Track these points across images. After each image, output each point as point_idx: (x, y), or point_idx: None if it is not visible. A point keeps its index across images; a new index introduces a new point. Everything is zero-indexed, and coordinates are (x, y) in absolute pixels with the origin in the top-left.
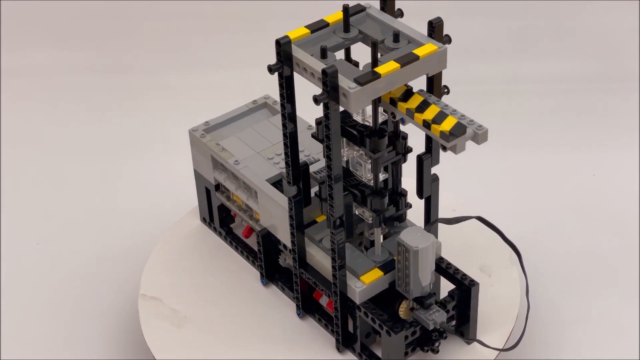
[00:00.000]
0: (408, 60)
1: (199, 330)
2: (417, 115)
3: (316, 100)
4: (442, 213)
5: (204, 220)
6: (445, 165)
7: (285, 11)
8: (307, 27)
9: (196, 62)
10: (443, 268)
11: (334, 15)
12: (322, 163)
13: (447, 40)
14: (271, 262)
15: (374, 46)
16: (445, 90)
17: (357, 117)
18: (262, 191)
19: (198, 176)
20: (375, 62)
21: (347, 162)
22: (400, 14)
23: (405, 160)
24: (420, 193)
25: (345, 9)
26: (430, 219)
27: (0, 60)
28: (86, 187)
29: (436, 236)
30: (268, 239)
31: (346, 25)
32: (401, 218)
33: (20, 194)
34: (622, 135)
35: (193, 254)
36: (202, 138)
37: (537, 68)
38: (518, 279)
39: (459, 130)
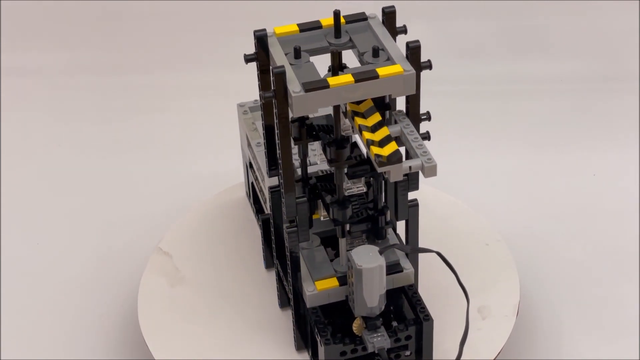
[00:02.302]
0: (365, 76)
1: (186, 294)
2: (365, 133)
3: (262, 97)
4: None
5: (247, 193)
6: (445, 165)
7: (294, 12)
8: (299, 25)
9: (197, 62)
10: (409, 296)
11: (332, 18)
12: (321, 166)
13: (427, 65)
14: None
15: (334, 56)
16: (426, 116)
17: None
18: (266, 177)
19: (242, 150)
20: (335, 72)
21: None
22: (403, 30)
23: (384, 178)
24: (395, 215)
25: (336, 14)
26: (409, 244)
27: (0, 60)
28: (86, 186)
29: (416, 265)
30: (268, 224)
31: (337, 30)
32: (380, 235)
33: (21, 194)
34: (622, 135)
35: (224, 223)
36: (244, 115)
37: (537, 68)
38: (511, 331)
39: (394, 157)
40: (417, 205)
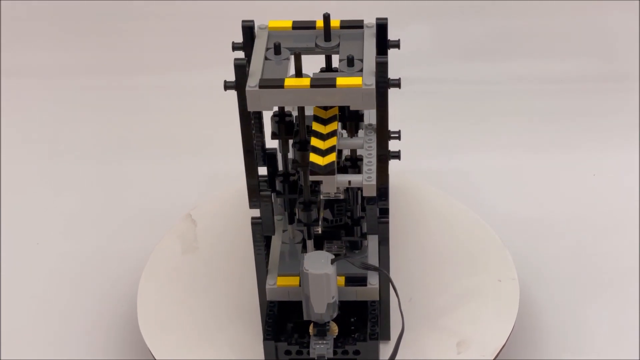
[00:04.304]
0: (321, 83)
1: (192, 264)
2: (313, 139)
3: (225, 85)
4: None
5: None
6: (444, 164)
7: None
8: (293, 22)
9: (197, 61)
10: (368, 311)
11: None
12: None
13: (396, 83)
14: None
15: (297, 57)
16: (396, 135)
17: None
18: None
19: None
20: (299, 74)
21: None
22: (396, 44)
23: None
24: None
25: (326, 17)
26: (379, 259)
27: (0, 60)
28: (86, 186)
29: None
30: None
31: (326, 33)
32: (356, 245)
33: (21, 194)
34: (622, 135)
35: None
36: None
37: (536, 68)
38: None
39: (327, 169)
40: (387, 222)
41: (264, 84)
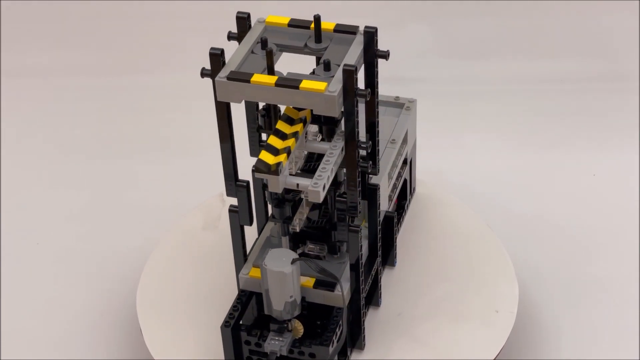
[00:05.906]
0: (284, 83)
1: (207, 241)
2: (272, 137)
3: (201, 73)
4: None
5: None
6: (444, 165)
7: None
8: (290, 20)
9: (197, 62)
10: (331, 317)
11: (325, 23)
12: None
13: (363, 94)
14: None
15: (269, 54)
16: (365, 145)
17: None
18: None
19: None
20: (271, 71)
21: None
22: (384, 55)
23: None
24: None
25: (317, 19)
26: (351, 266)
27: (0, 60)
28: (86, 186)
29: (344, 298)
30: None
31: (317, 35)
32: (334, 249)
33: (21, 194)
34: (622, 135)
35: None
36: None
37: (536, 68)
38: None
39: (271, 169)
40: (357, 231)
41: (232, 77)
